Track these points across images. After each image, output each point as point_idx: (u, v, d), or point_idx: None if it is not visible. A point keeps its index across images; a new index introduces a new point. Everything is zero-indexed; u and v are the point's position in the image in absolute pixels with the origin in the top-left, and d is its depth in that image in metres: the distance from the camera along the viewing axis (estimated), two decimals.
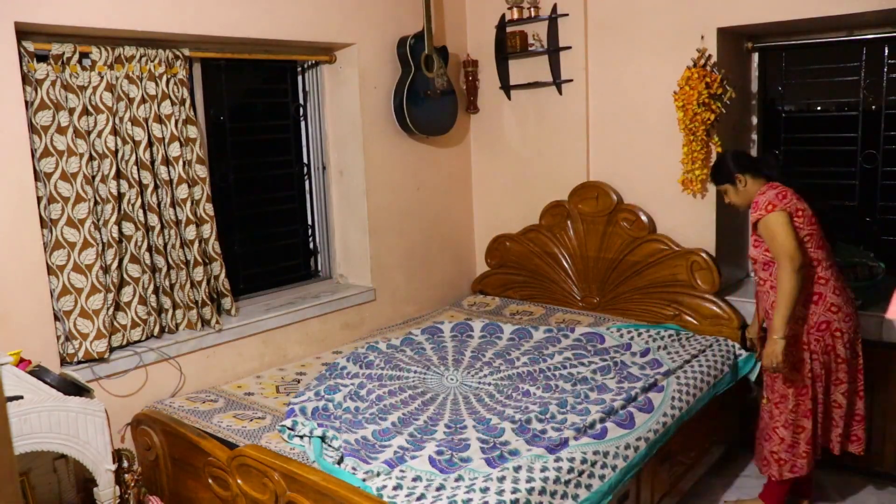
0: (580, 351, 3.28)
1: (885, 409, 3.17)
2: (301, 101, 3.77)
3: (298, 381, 3.12)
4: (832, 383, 2.80)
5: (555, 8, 3.81)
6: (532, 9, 3.87)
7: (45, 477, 2.47)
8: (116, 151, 2.84)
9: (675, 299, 3.57)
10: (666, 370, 2.99)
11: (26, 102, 2.57)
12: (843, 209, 3.62)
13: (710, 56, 3.37)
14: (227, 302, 3.26)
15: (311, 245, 3.91)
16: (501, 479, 2.16)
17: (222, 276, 3.20)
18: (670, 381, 2.90)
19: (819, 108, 3.74)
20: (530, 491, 2.11)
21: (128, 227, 2.90)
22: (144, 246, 2.94)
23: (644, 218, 3.67)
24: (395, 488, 2.16)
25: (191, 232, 3.05)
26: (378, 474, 2.24)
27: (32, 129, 2.60)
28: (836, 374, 2.79)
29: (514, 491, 2.11)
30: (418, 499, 2.10)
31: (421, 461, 2.31)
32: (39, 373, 2.34)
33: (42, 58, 2.63)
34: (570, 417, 2.62)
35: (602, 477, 2.33)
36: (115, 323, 2.89)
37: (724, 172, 2.87)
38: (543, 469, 2.24)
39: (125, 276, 2.90)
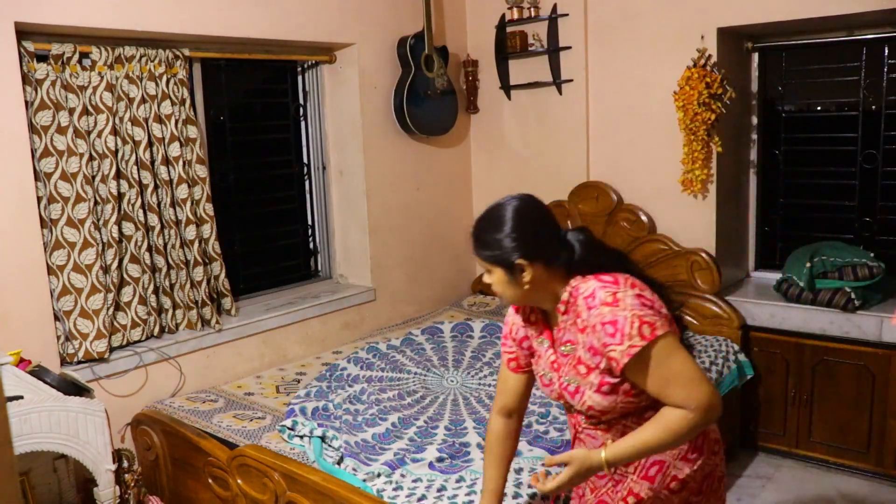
0: None
1: (886, 408, 3.18)
2: (301, 101, 3.77)
3: (298, 381, 3.11)
4: None
5: (555, 8, 3.81)
6: (532, 9, 3.87)
7: (45, 477, 2.47)
8: (116, 151, 2.84)
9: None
10: None
11: (26, 102, 2.57)
12: (843, 209, 3.62)
13: (710, 56, 3.37)
14: (227, 302, 3.26)
15: (311, 245, 3.91)
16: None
17: (222, 276, 3.20)
18: None
19: (819, 108, 3.74)
20: (532, 496, 2.11)
21: (128, 227, 2.89)
22: (144, 246, 2.93)
23: (644, 218, 3.67)
24: (395, 489, 2.16)
25: (191, 232, 3.05)
26: (378, 475, 2.24)
27: (32, 129, 2.60)
28: None
29: (516, 496, 2.10)
30: (419, 499, 2.10)
31: (421, 466, 2.31)
32: (39, 373, 2.34)
33: (42, 58, 2.63)
34: None
35: None
36: (115, 323, 2.89)
37: (500, 247, 1.69)
38: (546, 473, 2.23)
39: (125, 276, 2.90)
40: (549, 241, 1.66)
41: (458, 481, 2.19)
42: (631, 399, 1.61)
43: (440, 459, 2.34)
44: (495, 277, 1.70)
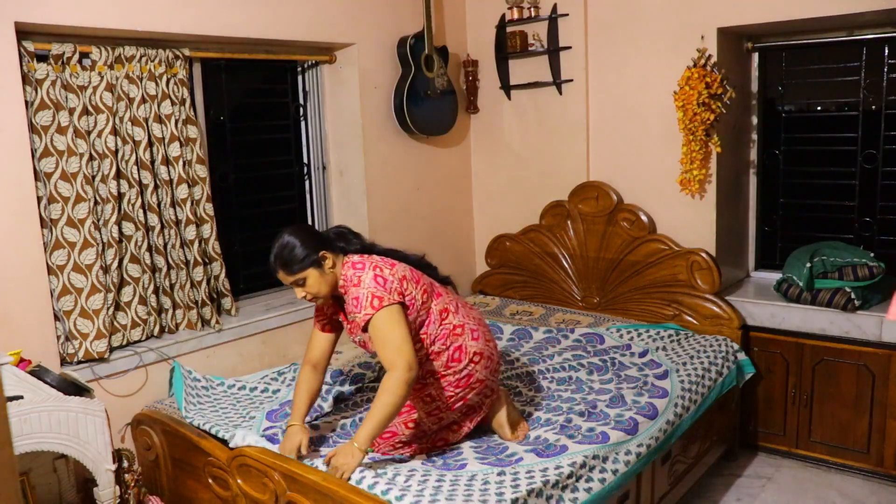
0: (579, 352, 3.28)
1: (886, 408, 3.18)
2: (301, 101, 3.77)
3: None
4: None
5: (555, 8, 3.81)
6: (532, 9, 3.87)
7: (45, 477, 2.47)
8: (116, 151, 2.84)
9: (675, 299, 3.57)
10: (665, 370, 3.00)
11: (26, 102, 2.57)
12: (842, 208, 3.62)
13: (710, 56, 3.37)
14: (227, 302, 3.26)
15: None
16: (500, 482, 2.16)
17: (222, 275, 3.20)
18: (674, 385, 2.88)
19: (819, 108, 3.74)
20: (530, 493, 2.10)
21: (128, 227, 2.89)
22: (144, 246, 2.93)
23: (644, 218, 3.67)
24: (388, 482, 2.15)
25: (191, 232, 3.05)
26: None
27: (32, 129, 2.60)
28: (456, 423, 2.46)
29: (515, 494, 2.10)
30: (416, 496, 2.10)
31: (413, 464, 2.31)
32: (39, 373, 2.34)
33: (42, 58, 2.63)
34: (575, 420, 2.62)
35: (602, 481, 2.32)
36: (115, 323, 2.89)
37: (302, 255, 2.26)
38: (544, 470, 2.23)
39: (125, 276, 2.90)
40: (323, 238, 2.35)
41: (455, 478, 2.19)
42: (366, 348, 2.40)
43: (432, 458, 2.35)
44: (311, 281, 2.29)
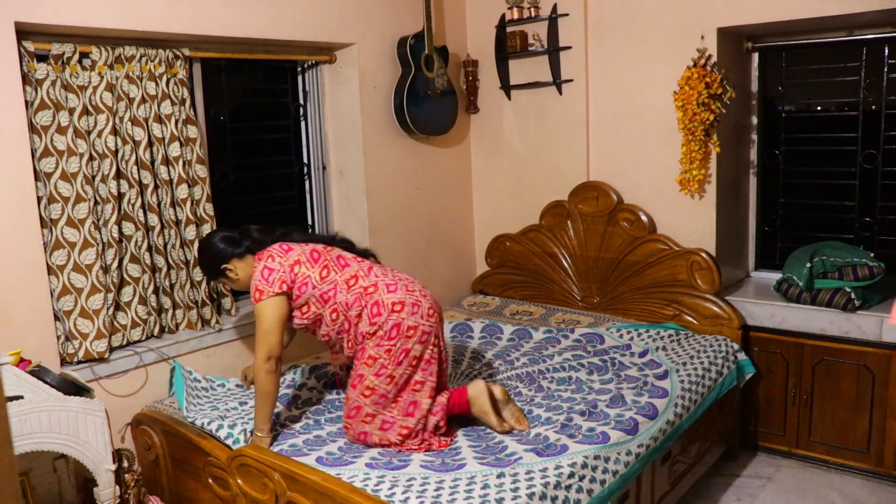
0: (579, 352, 3.28)
1: (886, 408, 3.18)
2: (301, 101, 3.77)
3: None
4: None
5: (555, 8, 3.81)
6: (532, 9, 3.87)
7: (45, 477, 2.47)
8: (116, 151, 2.84)
9: (675, 299, 3.57)
10: (665, 370, 3.00)
11: (26, 102, 2.57)
12: (841, 208, 3.62)
13: (710, 56, 3.37)
14: (227, 302, 3.26)
15: None
16: (500, 483, 2.16)
17: None
18: (674, 385, 2.88)
19: (819, 108, 3.74)
20: (531, 496, 2.10)
21: (128, 227, 2.90)
22: (144, 246, 2.94)
23: (644, 218, 3.67)
24: (391, 487, 2.16)
25: (191, 232, 3.05)
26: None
27: (32, 129, 2.60)
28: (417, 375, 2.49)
29: (515, 497, 2.10)
30: (417, 497, 2.10)
31: (413, 467, 2.31)
32: (39, 373, 2.34)
33: (42, 58, 2.63)
34: (575, 419, 2.62)
35: (602, 482, 2.32)
36: (115, 323, 2.89)
37: (212, 268, 2.65)
38: (543, 470, 2.23)
39: (125, 275, 2.90)
40: (228, 245, 2.61)
41: (455, 480, 2.19)
42: (306, 330, 2.60)
43: (431, 461, 2.34)
44: (228, 283, 2.68)
